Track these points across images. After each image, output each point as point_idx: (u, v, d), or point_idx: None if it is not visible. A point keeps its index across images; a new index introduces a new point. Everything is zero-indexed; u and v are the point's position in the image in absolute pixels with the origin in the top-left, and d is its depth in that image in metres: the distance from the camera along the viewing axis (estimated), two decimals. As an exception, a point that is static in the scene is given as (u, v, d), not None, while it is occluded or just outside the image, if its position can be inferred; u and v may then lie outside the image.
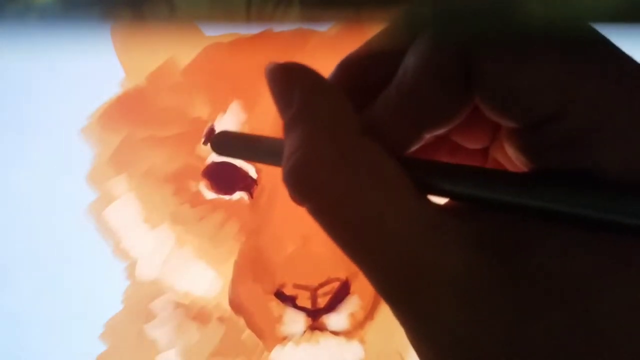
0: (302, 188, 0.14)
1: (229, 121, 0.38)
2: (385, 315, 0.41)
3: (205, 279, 0.39)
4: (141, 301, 0.40)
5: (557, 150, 0.13)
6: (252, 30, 0.38)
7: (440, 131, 0.15)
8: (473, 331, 0.12)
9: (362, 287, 0.39)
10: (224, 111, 0.38)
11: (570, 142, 0.13)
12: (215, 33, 0.38)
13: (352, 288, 0.39)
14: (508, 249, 0.13)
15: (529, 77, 0.13)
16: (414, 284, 0.13)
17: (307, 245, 0.38)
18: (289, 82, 0.15)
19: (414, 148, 0.15)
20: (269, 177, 0.39)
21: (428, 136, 0.15)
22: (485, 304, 0.12)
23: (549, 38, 0.13)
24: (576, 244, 0.12)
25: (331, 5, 0.37)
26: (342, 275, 0.39)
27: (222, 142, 0.18)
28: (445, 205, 0.15)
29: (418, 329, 0.13)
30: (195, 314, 0.40)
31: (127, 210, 0.39)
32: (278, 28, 0.38)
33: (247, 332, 0.40)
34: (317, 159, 0.14)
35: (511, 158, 0.15)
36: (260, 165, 0.38)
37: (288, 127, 0.15)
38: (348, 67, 0.16)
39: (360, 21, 0.37)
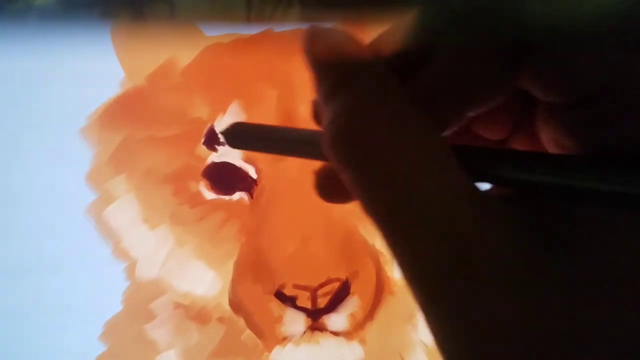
0: (346, 153, 0.13)
1: (229, 121, 0.38)
2: (386, 315, 0.41)
3: (205, 279, 0.39)
4: (141, 302, 0.40)
5: (602, 127, 0.13)
6: (251, 30, 0.38)
7: (483, 109, 0.14)
8: (518, 317, 0.11)
9: (362, 288, 0.39)
10: (224, 111, 0.38)
11: (614, 119, 0.12)
12: (215, 33, 0.38)
13: (352, 288, 0.39)
14: (557, 232, 0.12)
15: (578, 51, 0.12)
16: (455, 263, 0.12)
17: (307, 246, 0.38)
18: (332, 47, 0.14)
19: (455, 128, 0.15)
20: (269, 177, 0.39)
21: (471, 114, 0.14)
22: (533, 289, 0.11)
23: (598, 21, 0.13)
24: (628, 227, 0.12)
25: (331, 5, 0.37)
26: (342, 276, 0.39)
27: (237, 133, 0.17)
28: (491, 190, 0.14)
29: (452, 313, 0.12)
30: (195, 314, 0.40)
31: (126, 210, 0.39)
32: (278, 28, 0.38)
33: (247, 333, 0.40)
34: (365, 124, 0.13)
35: (535, 145, 0.15)
36: (261, 166, 0.38)
37: (331, 92, 0.14)
38: (380, 48, 0.16)
39: (360, 21, 0.37)
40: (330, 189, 0.16)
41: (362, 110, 0.13)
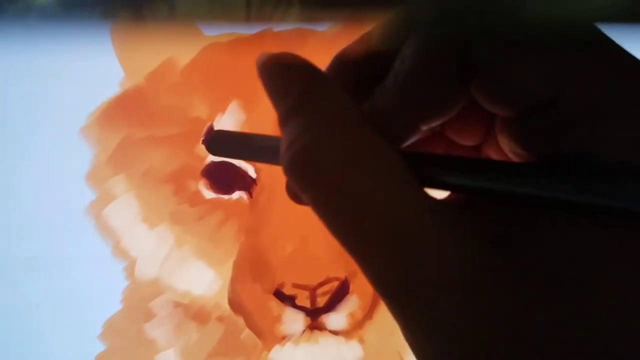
0: (304, 176, 0.14)
1: (228, 121, 0.38)
2: (384, 314, 0.41)
3: (204, 278, 0.39)
4: (140, 301, 0.40)
5: (552, 137, 0.13)
6: (251, 30, 0.38)
7: (436, 122, 0.15)
8: (474, 323, 0.12)
9: (361, 287, 0.39)
10: (223, 111, 0.38)
11: (564, 128, 0.13)
12: (215, 33, 0.38)
13: (351, 287, 0.39)
14: (506, 238, 0.13)
15: (522, 64, 0.13)
16: (412, 275, 0.12)
17: (306, 245, 0.38)
18: (285, 72, 0.15)
19: (410, 141, 0.15)
20: (268, 176, 0.39)
21: (425, 128, 0.15)
22: (486, 296, 0.12)
23: (544, 32, 0.13)
24: (574, 232, 0.12)
25: (331, 6, 0.38)
26: (341, 275, 0.39)
27: (217, 142, 0.18)
28: (443, 198, 0.15)
29: (415, 323, 0.13)
30: (195, 313, 0.40)
31: (126, 210, 0.39)
32: (277, 28, 0.38)
33: (246, 332, 0.40)
34: (320, 147, 0.13)
35: (505, 153, 0.15)
36: (260, 165, 0.39)
37: (286, 117, 0.14)
38: (343, 62, 0.16)
39: (360, 21, 0.37)
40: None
41: (314, 135, 0.14)
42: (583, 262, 0.12)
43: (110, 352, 0.40)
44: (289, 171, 0.14)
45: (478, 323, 0.12)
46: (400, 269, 0.13)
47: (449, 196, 0.15)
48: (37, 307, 0.40)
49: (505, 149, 0.15)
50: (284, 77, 0.15)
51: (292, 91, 0.14)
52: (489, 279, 0.12)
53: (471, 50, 0.13)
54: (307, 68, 0.15)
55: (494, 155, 0.17)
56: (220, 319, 0.40)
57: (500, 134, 0.15)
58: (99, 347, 0.40)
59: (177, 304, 0.40)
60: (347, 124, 0.14)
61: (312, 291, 0.38)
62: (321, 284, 0.38)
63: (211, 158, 0.39)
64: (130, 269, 0.39)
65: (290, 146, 0.14)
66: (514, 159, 0.15)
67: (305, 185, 0.14)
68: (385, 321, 0.41)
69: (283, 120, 0.14)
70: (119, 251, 0.39)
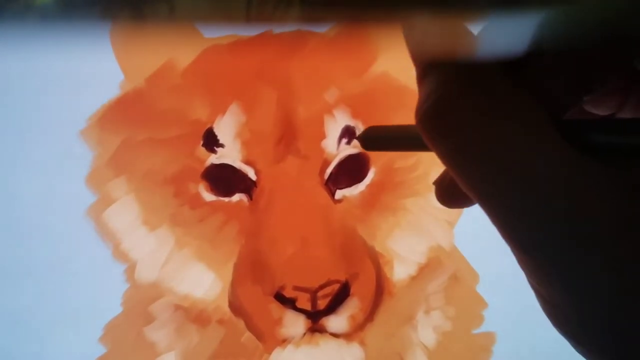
0: (442, 126, 0.13)
1: (228, 123, 0.38)
2: (385, 316, 0.41)
3: (204, 281, 0.39)
4: (140, 304, 0.40)
5: None
6: (251, 31, 0.38)
7: (597, 93, 0.15)
8: (606, 273, 0.11)
9: (362, 289, 0.39)
10: (223, 113, 0.38)
11: None
12: (214, 35, 0.38)
13: (352, 290, 0.39)
14: None
15: None
16: (559, 233, 0.12)
17: (306, 247, 0.38)
18: (427, 29, 0.14)
19: (573, 110, 0.15)
20: (269, 179, 0.39)
21: (587, 98, 0.15)
22: (627, 247, 0.11)
23: None
24: None
25: (331, 6, 0.37)
26: (342, 277, 0.38)
27: (371, 137, 0.18)
28: (598, 159, 0.14)
29: (558, 285, 0.12)
30: (195, 316, 0.40)
31: (126, 212, 0.39)
32: (277, 29, 0.38)
33: (247, 335, 0.40)
34: (460, 96, 0.13)
35: None
36: (260, 167, 0.38)
37: (423, 73, 0.14)
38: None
39: (360, 22, 0.37)
40: (451, 195, 0.17)
41: (453, 85, 0.13)
42: None
43: (110, 355, 0.40)
44: (425, 123, 0.13)
45: (616, 279, 0.11)
46: (547, 228, 0.12)
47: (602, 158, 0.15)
48: (37, 310, 0.40)
49: None
50: (425, 33, 0.14)
51: (430, 49, 0.14)
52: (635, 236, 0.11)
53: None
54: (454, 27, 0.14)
55: None
56: (220, 321, 0.40)
57: None
58: (100, 350, 0.40)
59: (177, 307, 0.40)
60: (487, 76, 0.13)
61: (313, 294, 0.38)
62: (322, 287, 0.38)
63: (211, 160, 0.39)
64: (130, 272, 0.39)
65: (426, 99, 0.13)
66: None
67: (443, 136, 0.13)
68: (386, 323, 0.40)
69: (420, 78, 0.14)
70: (119, 254, 0.39)
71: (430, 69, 0.14)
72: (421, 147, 0.16)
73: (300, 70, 0.38)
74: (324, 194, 0.39)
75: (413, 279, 0.41)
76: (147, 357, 0.40)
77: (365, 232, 0.40)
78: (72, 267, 0.40)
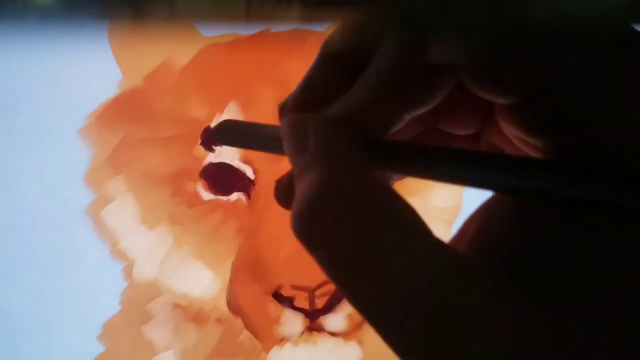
0: (313, 232, 0.13)
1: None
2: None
3: (203, 280, 0.39)
4: (139, 302, 0.40)
5: (555, 126, 0.12)
6: (250, 30, 0.38)
7: (421, 111, 0.14)
8: None
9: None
10: (222, 112, 0.38)
11: (565, 117, 0.12)
12: (213, 33, 0.38)
13: (350, 289, 0.39)
14: (539, 282, 0.12)
15: (518, 55, 0.12)
16: (446, 342, 0.11)
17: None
18: (303, 129, 0.14)
19: (394, 130, 0.15)
20: (267, 177, 0.39)
21: (408, 117, 0.14)
22: (530, 347, 0.11)
23: (543, 27, 0.13)
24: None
25: (331, 6, 0.37)
26: (340, 276, 0.38)
27: (225, 131, 0.17)
28: (459, 246, 0.14)
29: None
30: (193, 315, 0.40)
31: (124, 211, 0.39)
32: (275, 28, 0.38)
33: (245, 333, 0.40)
34: (329, 203, 0.13)
35: (510, 139, 0.15)
36: (258, 166, 0.38)
37: (301, 172, 0.14)
38: (328, 54, 0.16)
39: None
40: (289, 196, 0.16)
41: (325, 190, 0.13)
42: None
43: (109, 354, 0.40)
44: (297, 228, 0.13)
45: None
46: (433, 337, 0.11)
47: (456, 240, 0.14)
48: (36, 308, 0.40)
49: (509, 135, 0.14)
50: (301, 134, 0.14)
51: (308, 147, 0.14)
52: (547, 339, 0.11)
53: (458, 43, 0.13)
54: (322, 123, 0.14)
55: (498, 140, 0.16)
56: (218, 320, 0.40)
57: (501, 121, 0.14)
58: (98, 349, 0.40)
59: (175, 306, 0.40)
60: (354, 172, 0.13)
61: (311, 292, 0.38)
62: (320, 286, 0.38)
63: (209, 159, 0.39)
64: (128, 270, 0.39)
65: (297, 202, 0.13)
66: (518, 144, 0.14)
67: (313, 242, 0.13)
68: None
69: (299, 176, 0.14)
70: (118, 252, 0.39)
71: (301, 172, 0.14)
72: (276, 149, 0.16)
73: (298, 69, 0.38)
74: (322, 193, 0.39)
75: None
76: (145, 355, 0.40)
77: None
78: (71, 265, 0.40)
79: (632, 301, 0.11)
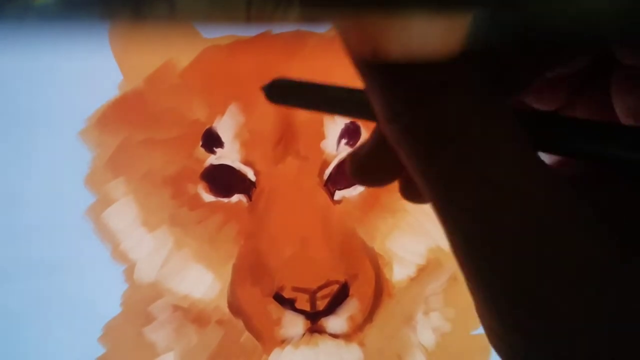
0: (424, 144, 0.12)
1: (228, 123, 0.38)
2: (385, 318, 0.41)
3: (203, 281, 0.39)
4: (140, 304, 0.40)
5: None
6: (251, 31, 0.38)
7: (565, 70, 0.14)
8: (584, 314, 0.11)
9: (361, 290, 0.39)
10: (222, 113, 0.38)
11: None
12: (214, 35, 0.37)
13: (351, 291, 0.39)
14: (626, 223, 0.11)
15: None
16: (523, 256, 0.11)
17: (306, 248, 0.38)
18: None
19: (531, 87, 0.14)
20: (268, 179, 0.38)
21: (550, 75, 0.14)
22: (608, 290, 0.11)
23: None
24: None
25: (331, 6, 0.37)
26: (341, 278, 0.38)
27: (278, 88, 0.16)
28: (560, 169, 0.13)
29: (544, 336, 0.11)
30: (194, 316, 0.40)
31: (125, 213, 0.39)
32: (276, 30, 0.38)
33: (246, 335, 0.40)
34: (441, 112, 0.11)
35: (594, 114, 0.14)
36: (259, 168, 0.38)
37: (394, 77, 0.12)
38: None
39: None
40: (367, 170, 0.15)
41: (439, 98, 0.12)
42: None
43: (110, 355, 0.40)
44: (404, 139, 0.12)
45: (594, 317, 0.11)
46: (510, 252, 0.11)
47: (559, 165, 0.14)
48: (37, 310, 0.40)
49: (621, 109, 0.14)
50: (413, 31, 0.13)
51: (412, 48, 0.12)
52: (616, 280, 0.11)
53: None
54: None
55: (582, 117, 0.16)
56: (219, 322, 0.40)
57: (621, 91, 0.13)
58: (99, 350, 0.40)
59: (176, 307, 0.40)
60: (470, 88, 0.12)
61: (312, 294, 0.38)
62: (321, 287, 0.38)
63: (210, 161, 0.38)
64: (129, 272, 0.39)
65: (406, 110, 0.12)
66: (626, 121, 0.14)
67: (425, 156, 0.12)
68: (385, 324, 0.40)
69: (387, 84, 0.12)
70: (118, 254, 0.39)
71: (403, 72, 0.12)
72: (335, 110, 0.15)
73: (300, 71, 0.38)
74: (323, 194, 0.39)
75: (412, 280, 0.41)
76: (146, 357, 0.40)
77: (365, 233, 0.40)
78: (72, 267, 0.40)
79: None
